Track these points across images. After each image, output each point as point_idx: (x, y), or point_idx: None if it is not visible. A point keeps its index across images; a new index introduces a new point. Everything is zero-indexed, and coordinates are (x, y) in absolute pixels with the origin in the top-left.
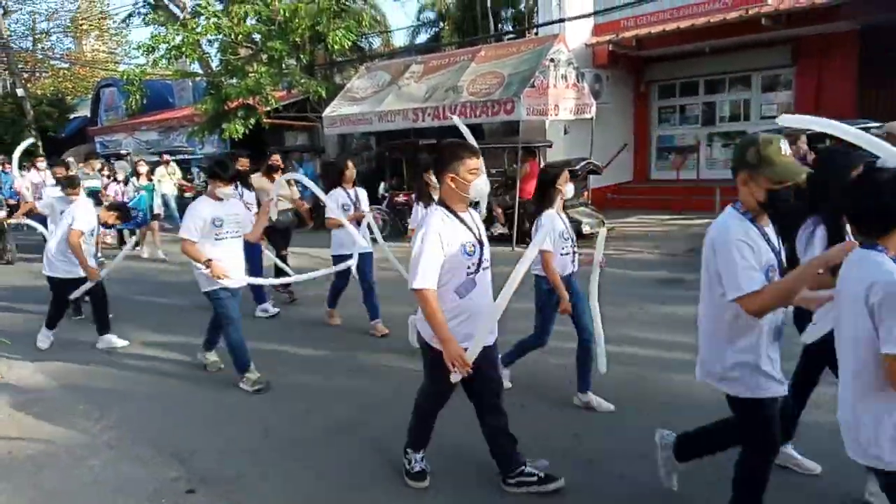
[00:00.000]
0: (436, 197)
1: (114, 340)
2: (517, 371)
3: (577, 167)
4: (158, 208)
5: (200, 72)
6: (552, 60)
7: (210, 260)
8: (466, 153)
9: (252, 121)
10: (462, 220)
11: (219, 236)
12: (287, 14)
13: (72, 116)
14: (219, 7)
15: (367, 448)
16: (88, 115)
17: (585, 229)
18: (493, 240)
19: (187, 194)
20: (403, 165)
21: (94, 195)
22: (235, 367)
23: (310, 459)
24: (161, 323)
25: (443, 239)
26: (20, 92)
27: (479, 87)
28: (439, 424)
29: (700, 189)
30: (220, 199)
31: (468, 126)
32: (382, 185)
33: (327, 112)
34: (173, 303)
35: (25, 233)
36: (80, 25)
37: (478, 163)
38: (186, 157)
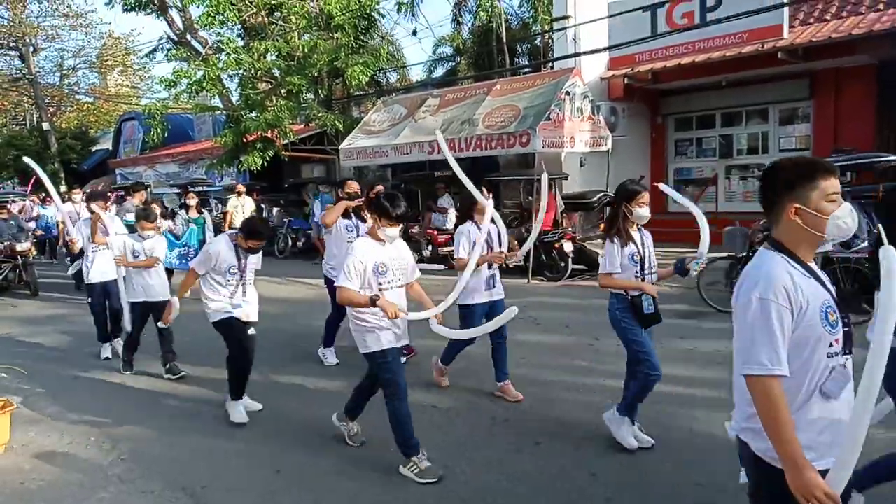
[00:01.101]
0: (634, 232)
1: (238, 411)
2: (535, 404)
3: (594, 199)
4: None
5: (220, 106)
6: (568, 94)
7: (377, 296)
8: (820, 172)
9: (270, 153)
10: (813, 273)
11: (382, 286)
12: (306, 50)
13: (94, 149)
14: (240, 43)
15: (377, 486)
16: (110, 148)
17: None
18: (508, 272)
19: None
20: (419, 197)
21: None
22: (399, 446)
23: (321, 497)
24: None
25: (792, 302)
26: (46, 125)
27: (495, 120)
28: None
29: (719, 221)
30: (383, 241)
31: (483, 158)
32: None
33: (344, 145)
34: (187, 337)
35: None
36: (106, 61)
37: (837, 185)
38: (205, 188)
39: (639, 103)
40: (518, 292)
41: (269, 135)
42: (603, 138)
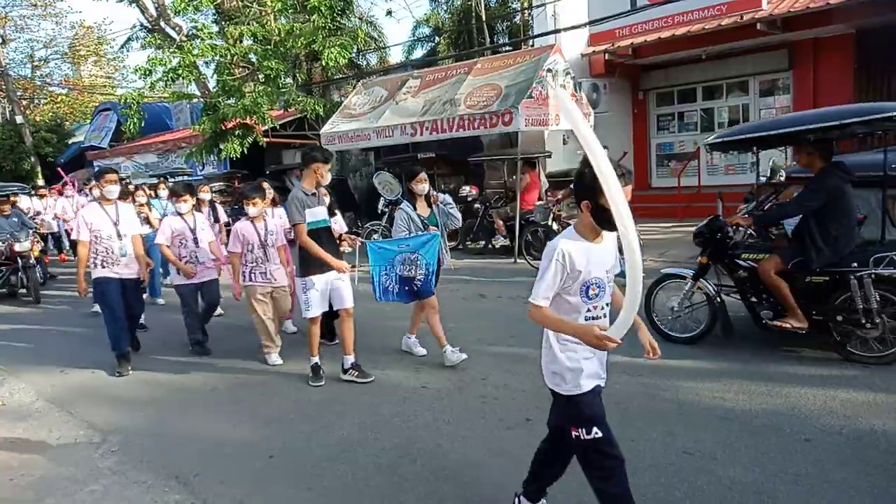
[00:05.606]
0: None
1: None
2: (525, 381)
3: None
4: None
5: (198, 93)
6: (549, 71)
7: None
8: None
9: (250, 140)
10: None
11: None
12: (282, 34)
13: (70, 142)
14: (214, 29)
15: (370, 469)
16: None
17: None
18: (495, 252)
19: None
20: (402, 180)
21: None
22: None
23: (315, 482)
24: (163, 346)
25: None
26: (19, 119)
27: (477, 100)
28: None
29: (701, 195)
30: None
31: (466, 139)
32: (382, 200)
33: (325, 129)
34: (174, 326)
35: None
36: (78, 52)
37: None
38: (186, 178)
39: (620, 79)
40: (505, 272)
41: (248, 121)
42: (585, 115)
